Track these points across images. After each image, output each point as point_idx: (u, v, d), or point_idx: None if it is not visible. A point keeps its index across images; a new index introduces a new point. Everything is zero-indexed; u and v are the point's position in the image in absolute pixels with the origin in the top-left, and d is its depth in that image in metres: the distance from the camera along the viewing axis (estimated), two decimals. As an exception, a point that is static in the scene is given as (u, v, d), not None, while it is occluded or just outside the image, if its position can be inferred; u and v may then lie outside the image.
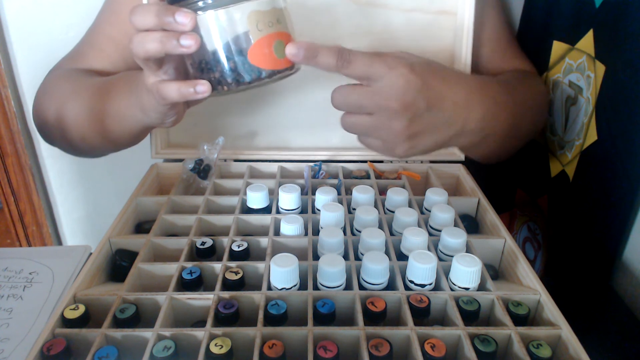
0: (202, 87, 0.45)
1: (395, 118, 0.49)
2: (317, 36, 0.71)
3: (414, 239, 0.50)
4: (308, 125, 0.75)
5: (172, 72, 0.47)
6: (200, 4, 0.43)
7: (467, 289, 0.46)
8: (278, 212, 0.59)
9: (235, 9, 0.43)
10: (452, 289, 0.47)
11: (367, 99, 0.49)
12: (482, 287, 0.47)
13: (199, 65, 0.45)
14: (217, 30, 0.43)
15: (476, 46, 0.71)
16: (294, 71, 0.48)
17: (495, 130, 0.58)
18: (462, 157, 0.73)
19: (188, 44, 0.42)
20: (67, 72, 0.70)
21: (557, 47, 0.74)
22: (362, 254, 0.50)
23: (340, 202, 0.59)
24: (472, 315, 0.44)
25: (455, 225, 0.56)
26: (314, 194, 0.61)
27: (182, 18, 0.42)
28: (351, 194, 0.60)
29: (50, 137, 0.71)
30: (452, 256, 0.48)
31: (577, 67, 0.69)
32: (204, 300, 0.45)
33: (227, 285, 0.47)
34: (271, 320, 0.43)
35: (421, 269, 0.46)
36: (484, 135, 0.56)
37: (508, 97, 0.59)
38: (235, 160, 0.72)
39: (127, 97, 0.55)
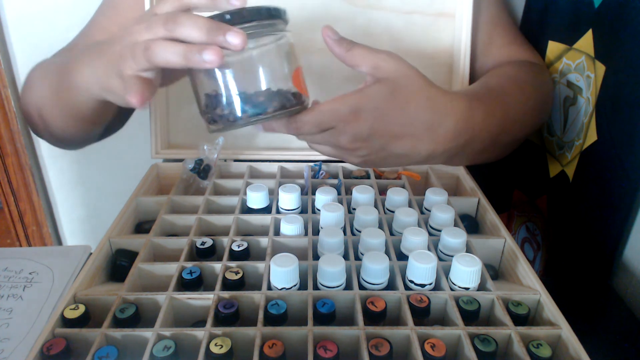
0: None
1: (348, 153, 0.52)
2: (317, 38, 0.71)
3: (414, 239, 0.50)
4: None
5: (157, 72, 0.45)
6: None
7: (467, 288, 0.46)
8: (278, 212, 0.59)
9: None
10: (452, 289, 0.47)
11: (329, 144, 0.52)
12: (482, 287, 0.47)
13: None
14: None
15: (473, 31, 0.70)
16: (303, 107, 0.48)
17: (473, 147, 0.56)
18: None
19: (210, 60, 0.40)
20: (46, 62, 0.67)
21: (553, 48, 0.74)
22: (362, 254, 0.50)
23: (340, 202, 0.59)
24: (472, 315, 0.44)
25: (455, 225, 0.56)
26: (314, 194, 0.61)
27: (235, 38, 0.40)
28: (351, 194, 0.60)
29: (36, 130, 0.70)
30: (452, 256, 0.48)
31: (576, 67, 0.69)
32: (204, 300, 0.45)
33: (227, 285, 0.47)
34: (271, 320, 0.43)
35: (421, 269, 0.46)
36: (456, 153, 0.55)
37: (490, 113, 0.57)
38: (235, 160, 0.72)
39: (85, 70, 0.51)
